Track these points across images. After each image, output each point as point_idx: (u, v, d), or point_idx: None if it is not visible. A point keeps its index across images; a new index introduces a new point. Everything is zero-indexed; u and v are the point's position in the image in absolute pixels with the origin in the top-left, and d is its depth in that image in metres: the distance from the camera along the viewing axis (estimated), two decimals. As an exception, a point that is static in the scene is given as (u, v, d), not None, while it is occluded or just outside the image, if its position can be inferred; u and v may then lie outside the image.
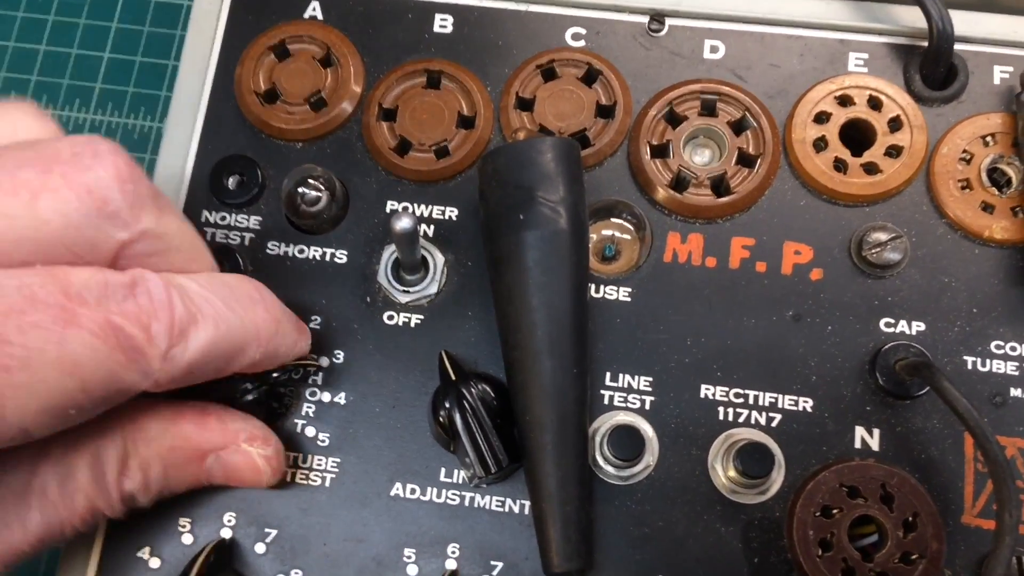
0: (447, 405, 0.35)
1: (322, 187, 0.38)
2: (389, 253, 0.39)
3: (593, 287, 0.38)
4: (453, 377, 0.35)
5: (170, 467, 0.32)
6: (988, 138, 0.38)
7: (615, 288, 0.38)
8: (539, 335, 0.34)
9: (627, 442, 0.35)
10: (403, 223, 0.34)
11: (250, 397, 0.35)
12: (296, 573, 0.36)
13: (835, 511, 0.34)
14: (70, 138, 0.28)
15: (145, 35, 0.61)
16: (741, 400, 0.36)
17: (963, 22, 0.39)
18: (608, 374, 0.37)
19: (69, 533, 0.31)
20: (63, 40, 0.62)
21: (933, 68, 0.39)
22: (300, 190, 0.38)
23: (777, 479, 0.35)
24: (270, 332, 0.32)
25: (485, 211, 0.36)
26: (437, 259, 0.38)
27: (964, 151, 0.38)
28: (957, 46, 0.39)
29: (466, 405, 0.34)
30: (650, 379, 0.37)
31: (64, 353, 0.25)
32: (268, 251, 0.40)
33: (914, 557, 0.33)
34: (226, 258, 0.39)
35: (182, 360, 0.28)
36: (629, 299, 0.38)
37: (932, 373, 0.34)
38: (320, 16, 0.43)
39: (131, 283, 0.27)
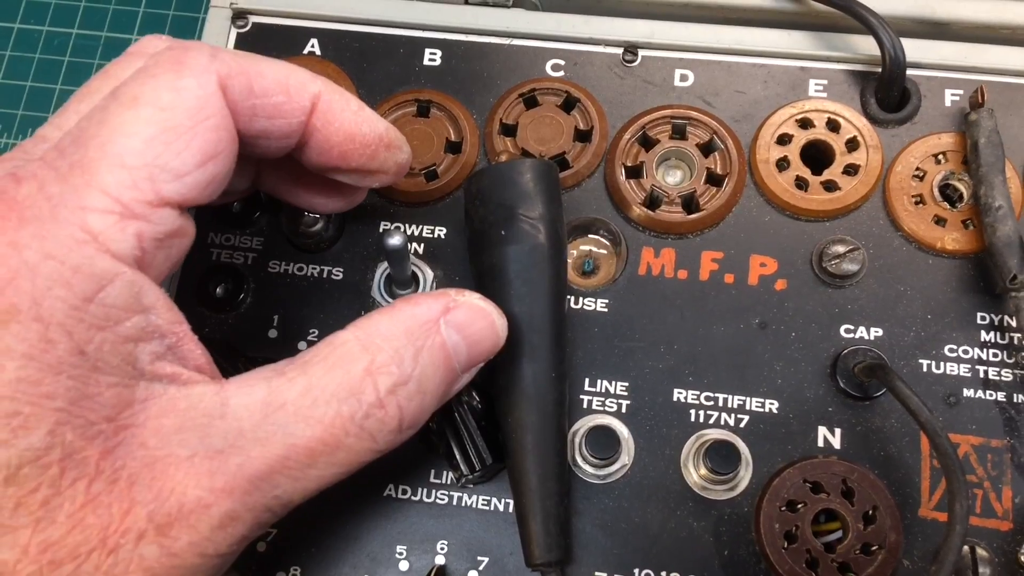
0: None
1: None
2: (382, 269, 0.41)
3: (573, 299, 0.41)
4: None
5: (420, 352, 0.32)
6: (940, 156, 0.41)
7: (593, 300, 0.41)
8: (520, 342, 0.37)
9: (604, 443, 0.37)
10: (394, 240, 0.37)
11: None
12: (295, 570, 0.38)
13: (799, 505, 0.36)
14: None
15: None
16: (711, 403, 0.39)
17: (916, 49, 0.42)
18: (587, 380, 0.39)
19: None
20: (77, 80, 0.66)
21: (887, 92, 0.42)
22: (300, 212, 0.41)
23: (745, 476, 0.37)
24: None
25: (470, 228, 0.39)
26: (427, 274, 0.41)
27: (917, 169, 0.41)
28: (910, 71, 0.42)
29: (452, 408, 0.37)
30: (626, 384, 0.39)
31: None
32: (270, 269, 0.42)
33: (874, 548, 0.35)
34: (230, 277, 0.42)
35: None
36: (606, 310, 0.40)
37: (887, 374, 0.36)
38: (318, 51, 0.46)
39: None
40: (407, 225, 0.43)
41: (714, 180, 0.42)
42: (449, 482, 0.38)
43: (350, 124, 0.35)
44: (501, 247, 0.37)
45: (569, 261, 0.42)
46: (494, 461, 0.36)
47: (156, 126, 0.29)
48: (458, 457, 0.37)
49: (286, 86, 0.33)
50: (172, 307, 0.30)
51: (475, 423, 0.37)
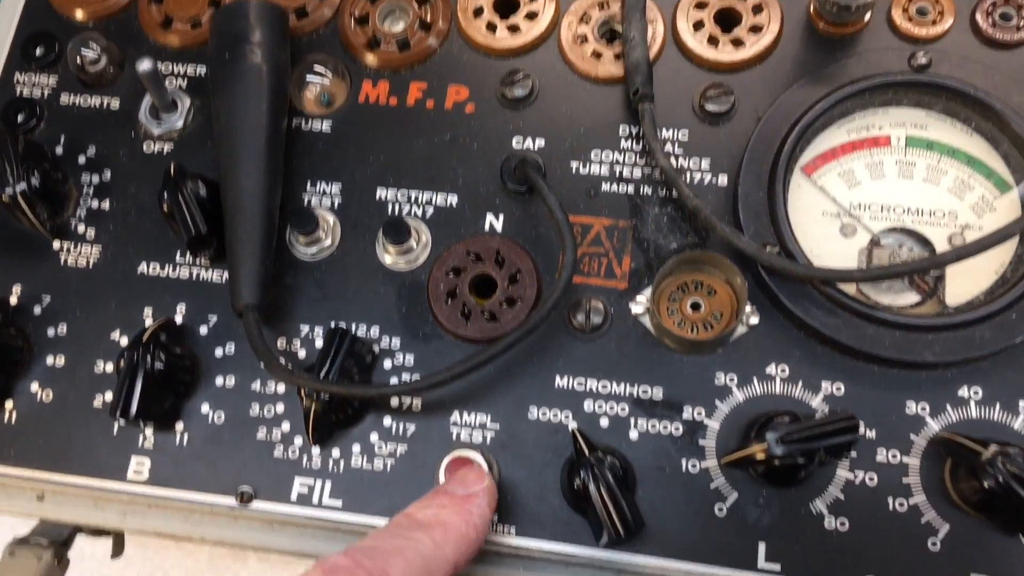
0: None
1: (99, 49, 0.50)
2: (148, 98, 0.50)
3: (304, 122, 0.50)
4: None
5: None
6: (604, 4, 0.50)
7: (320, 121, 0.50)
8: (241, 147, 0.45)
9: (305, 219, 0.46)
10: (143, 65, 0.45)
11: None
12: (63, 326, 0.47)
13: (462, 271, 0.45)
14: None
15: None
16: (406, 198, 0.48)
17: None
18: (307, 183, 0.48)
19: None
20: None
21: (567, -46, 0.50)
22: (81, 51, 0.50)
23: (424, 253, 0.46)
24: None
25: (211, 55, 0.48)
26: (184, 102, 0.50)
27: (584, 14, 0.50)
28: (593, -61, 0.51)
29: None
30: (339, 184, 0.48)
31: None
32: (61, 102, 0.51)
33: (515, 301, 0.45)
34: (28, 107, 0.51)
35: None
36: (330, 130, 0.49)
37: (527, 168, 0.45)
38: None
39: None
40: (175, 65, 0.51)
41: (424, 26, 0.50)
42: (188, 261, 0.47)
43: None
44: (227, 67, 0.46)
45: (311, 96, 0.50)
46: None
47: None
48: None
49: None
50: None
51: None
